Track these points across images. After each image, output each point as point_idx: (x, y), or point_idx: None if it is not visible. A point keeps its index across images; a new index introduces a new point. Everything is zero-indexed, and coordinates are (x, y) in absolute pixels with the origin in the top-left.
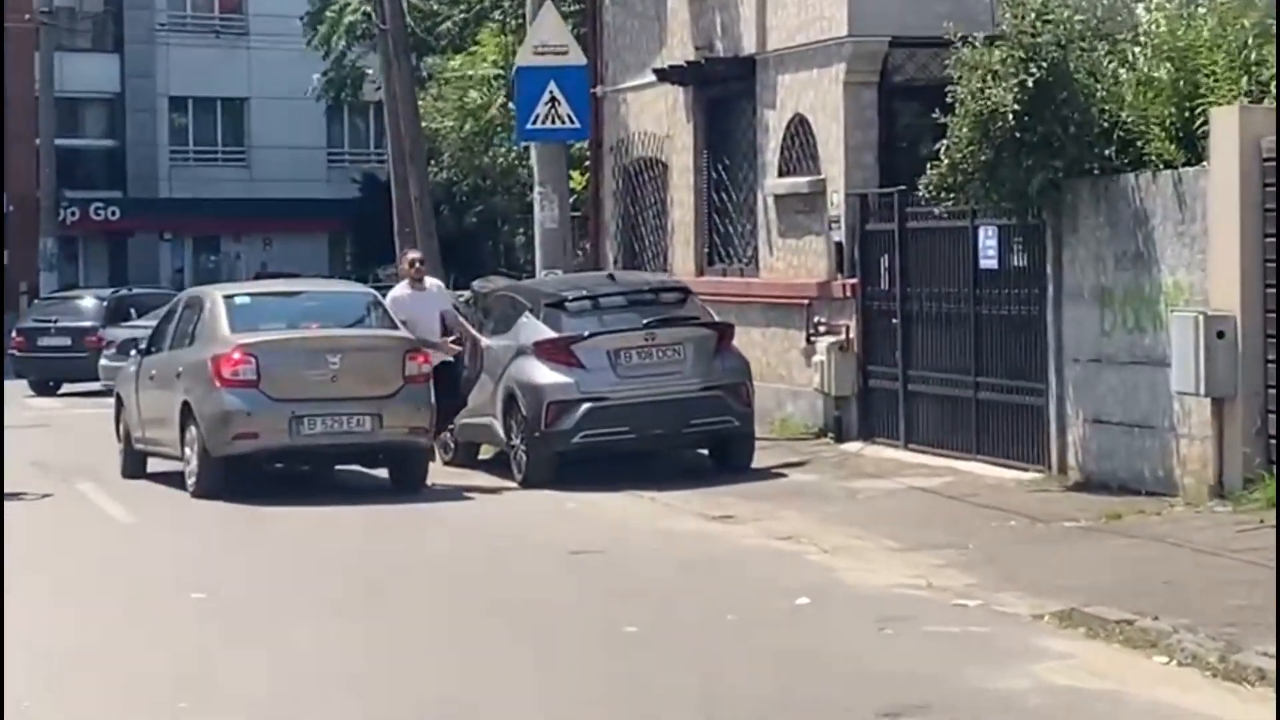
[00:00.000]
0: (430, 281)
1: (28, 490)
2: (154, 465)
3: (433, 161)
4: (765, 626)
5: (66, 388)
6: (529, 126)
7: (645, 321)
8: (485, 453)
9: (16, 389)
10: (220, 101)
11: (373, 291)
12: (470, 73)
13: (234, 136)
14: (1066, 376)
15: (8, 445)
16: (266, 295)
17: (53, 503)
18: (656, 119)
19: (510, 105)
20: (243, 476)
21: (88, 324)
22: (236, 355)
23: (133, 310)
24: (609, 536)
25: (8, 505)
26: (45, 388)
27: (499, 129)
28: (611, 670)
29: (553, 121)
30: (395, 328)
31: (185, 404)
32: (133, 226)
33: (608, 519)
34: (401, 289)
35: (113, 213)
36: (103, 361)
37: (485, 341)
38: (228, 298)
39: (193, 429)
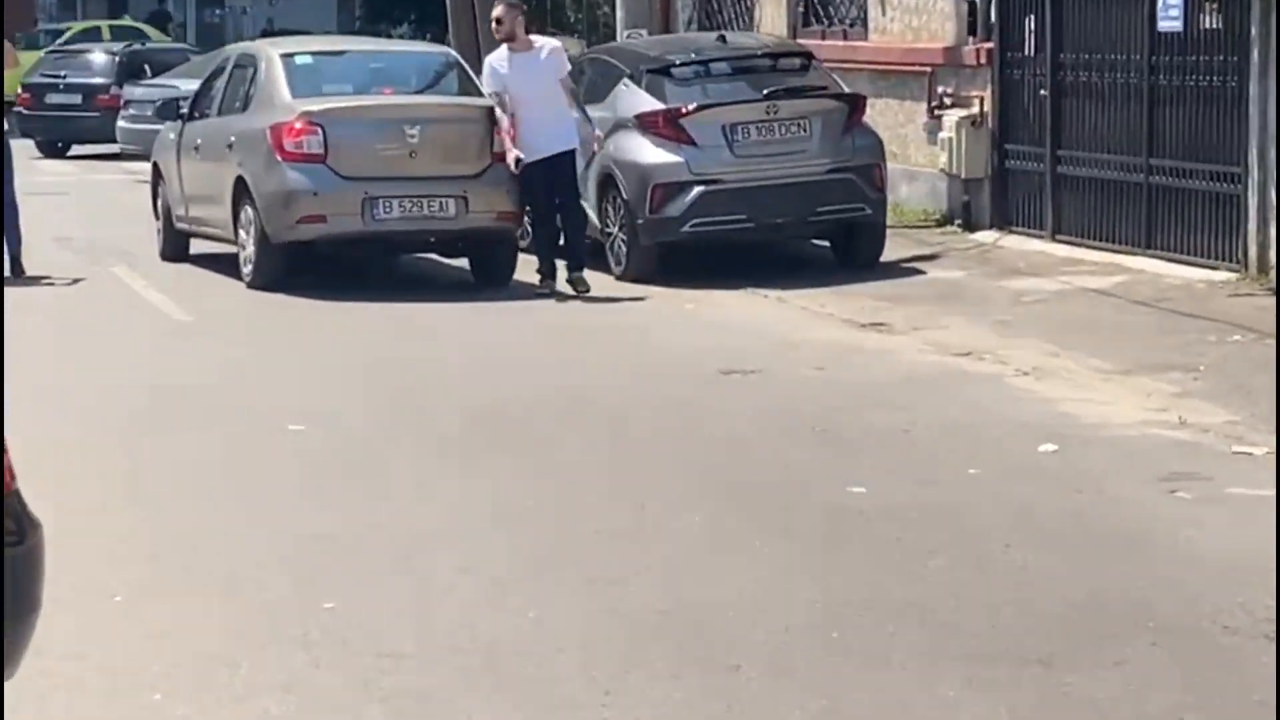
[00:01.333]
0: (543, 41)
1: (54, 274)
2: (197, 246)
3: None
4: (1022, 486)
5: (76, 149)
6: None
7: (765, 92)
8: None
9: (22, 149)
10: None
11: (451, 51)
12: None
13: None
14: (1271, 160)
15: (22, 217)
16: (331, 54)
17: (87, 290)
18: None
19: None
20: (305, 265)
21: (99, 81)
22: (300, 124)
23: (147, 67)
24: (753, 350)
25: (31, 291)
26: (53, 149)
27: None
28: (862, 556)
29: None
30: (480, 94)
31: (239, 180)
32: None
33: (739, 325)
34: (497, 55)
35: None
36: (121, 123)
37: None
38: (286, 56)
39: (248, 209)
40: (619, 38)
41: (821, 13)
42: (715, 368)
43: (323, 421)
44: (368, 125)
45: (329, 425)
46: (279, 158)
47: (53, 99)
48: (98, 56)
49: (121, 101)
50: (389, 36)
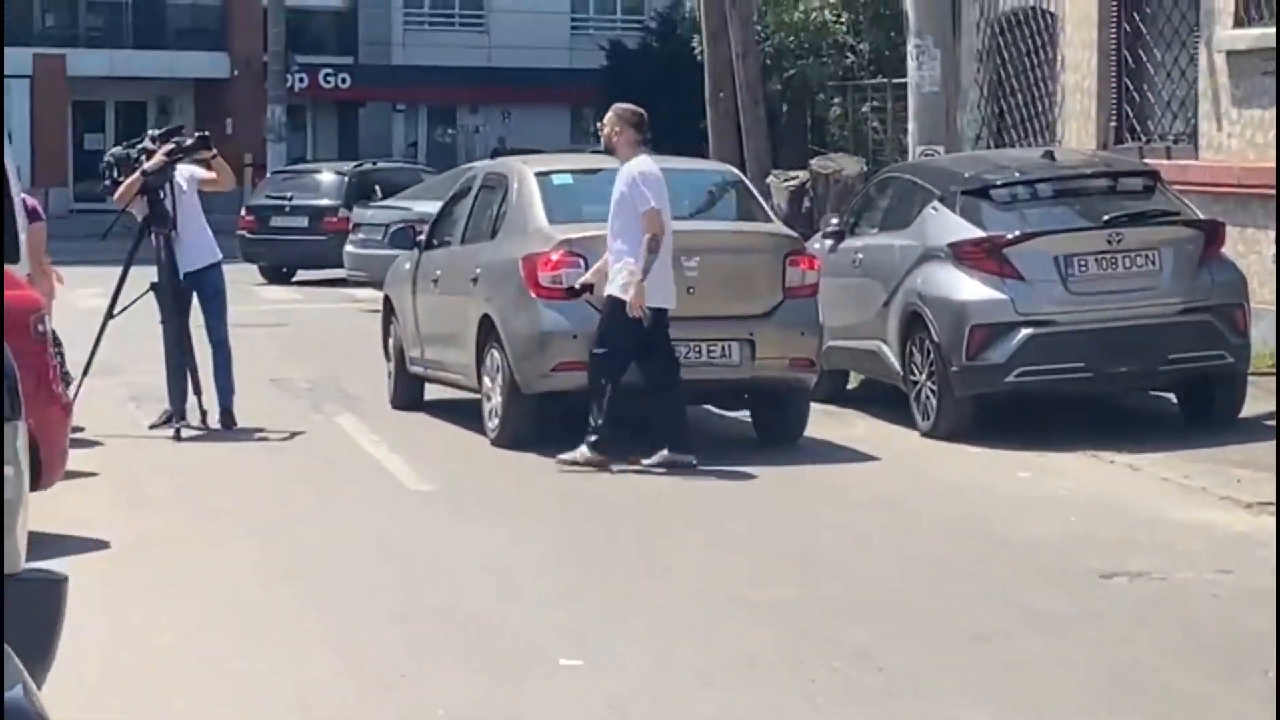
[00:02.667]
0: (633, 157)
1: (269, 425)
2: (432, 391)
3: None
4: None
5: (301, 274)
6: None
7: (1106, 217)
8: (850, 380)
9: (245, 275)
10: None
11: (732, 169)
12: None
13: None
14: None
15: (238, 351)
16: (591, 172)
17: (306, 447)
18: None
19: None
20: (561, 419)
21: (327, 203)
22: (558, 255)
23: (377, 188)
24: (1125, 539)
25: (243, 447)
26: (278, 275)
27: None
28: None
29: None
30: (768, 218)
31: (485, 319)
32: (364, 95)
33: (1093, 503)
34: (650, 161)
35: (343, 80)
36: (349, 248)
37: (860, 242)
38: (542, 175)
39: (495, 353)
40: (911, 155)
41: (1139, 128)
42: (1089, 566)
43: (604, 652)
44: None
45: (613, 659)
46: (533, 294)
47: (277, 222)
48: (326, 177)
49: (350, 225)
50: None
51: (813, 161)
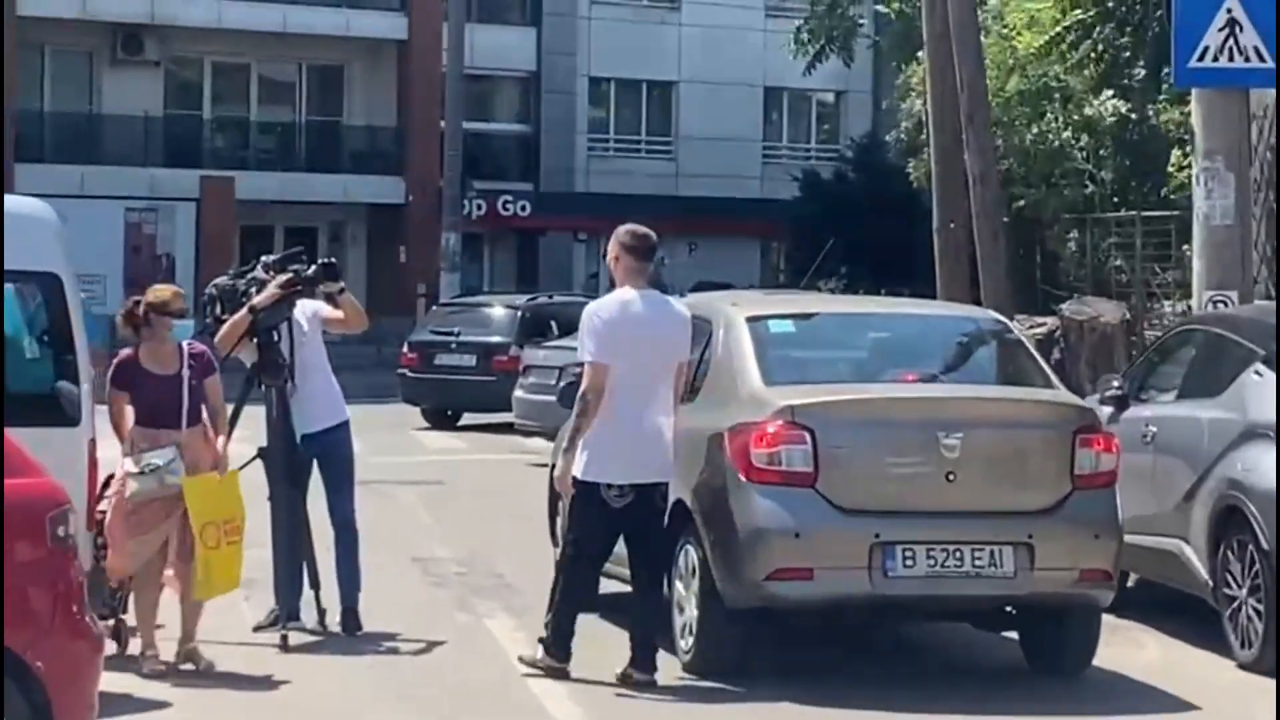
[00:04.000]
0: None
1: (402, 630)
2: (609, 585)
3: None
4: None
5: (468, 418)
6: (1193, 64)
7: None
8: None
9: (407, 418)
10: (646, 85)
11: (998, 317)
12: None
13: (660, 125)
14: None
15: (381, 515)
16: (818, 318)
17: (442, 666)
18: None
19: (1090, 54)
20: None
21: (497, 339)
22: (777, 427)
23: (553, 324)
24: None
25: (360, 664)
26: (442, 418)
27: (1055, 92)
28: None
29: (1230, 57)
30: (1049, 382)
31: (678, 505)
32: (545, 224)
33: None
34: (621, 298)
35: (523, 207)
36: (518, 393)
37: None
38: (755, 320)
39: (690, 550)
40: (1197, 302)
41: None
42: None
43: None
44: (880, 430)
45: None
46: (744, 476)
47: (443, 360)
48: (497, 311)
49: (520, 366)
50: (818, 290)
51: (1064, 306)
